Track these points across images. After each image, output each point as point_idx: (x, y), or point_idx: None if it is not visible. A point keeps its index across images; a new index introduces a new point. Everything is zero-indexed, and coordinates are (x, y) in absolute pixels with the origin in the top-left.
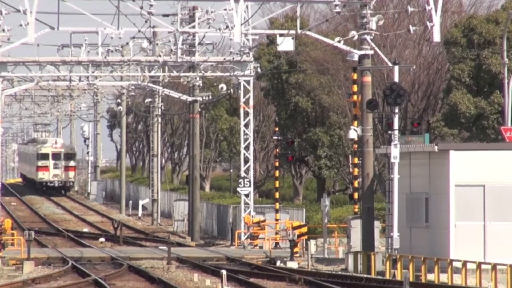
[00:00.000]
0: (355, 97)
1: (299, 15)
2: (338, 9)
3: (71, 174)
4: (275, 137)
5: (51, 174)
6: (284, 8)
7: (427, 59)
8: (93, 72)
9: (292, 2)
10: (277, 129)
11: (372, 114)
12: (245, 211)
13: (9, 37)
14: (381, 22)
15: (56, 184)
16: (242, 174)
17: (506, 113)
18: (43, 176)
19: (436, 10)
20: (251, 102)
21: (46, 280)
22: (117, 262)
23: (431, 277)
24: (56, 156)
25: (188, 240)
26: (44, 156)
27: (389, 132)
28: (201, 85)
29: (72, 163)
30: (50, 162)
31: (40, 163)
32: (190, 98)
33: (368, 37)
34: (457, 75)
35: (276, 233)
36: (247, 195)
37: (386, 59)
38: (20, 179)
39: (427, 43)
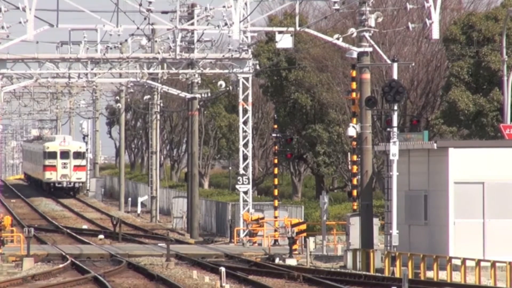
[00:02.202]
0: (354, 94)
1: (298, 12)
2: (337, 6)
3: (81, 174)
4: (274, 134)
5: (59, 174)
6: (283, 5)
7: (426, 56)
8: (92, 69)
9: None
10: (276, 126)
11: (371, 111)
12: (244, 208)
13: (8, 34)
14: (380, 19)
15: (65, 185)
16: (241, 171)
17: (505, 111)
18: (50, 176)
19: (435, 7)
20: (250, 99)
21: (45, 277)
22: (116, 259)
23: (430, 274)
24: (64, 154)
25: (187, 237)
26: (52, 155)
27: (388, 129)
28: (199, 82)
29: (82, 162)
30: (58, 161)
31: (47, 162)
32: (189, 95)
33: (367, 34)
34: (456, 72)
35: (275, 231)
36: (246, 193)
37: (385, 56)
38: (20, 176)
39: (426, 40)
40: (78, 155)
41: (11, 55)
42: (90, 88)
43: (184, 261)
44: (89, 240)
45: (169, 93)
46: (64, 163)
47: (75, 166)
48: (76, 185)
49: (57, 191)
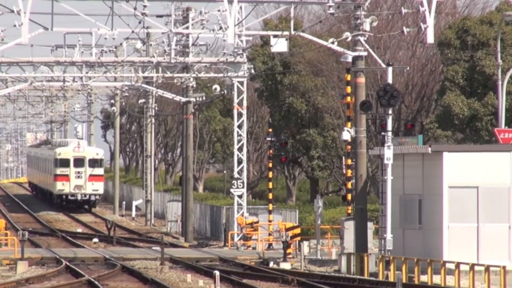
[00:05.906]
0: (348, 99)
1: (293, 16)
2: (331, 10)
3: (98, 185)
4: (268, 138)
5: (72, 185)
6: (278, 9)
7: (421, 60)
8: (87, 73)
9: (286, 3)
10: (270, 130)
11: (365, 115)
12: (238, 212)
13: (2, 38)
14: (375, 24)
15: (79, 198)
16: (236, 175)
17: (499, 115)
18: (62, 187)
19: (430, 12)
20: (244, 103)
21: (39, 280)
22: (110, 263)
23: (424, 278)
24: (78, 162)
25: (182, 241)
26: (64, 163)
27: (383, 133)
28: (194, 86)
29: (99, 171)
30: (72, 170)
31: (59, 171)
32: (183, 99)
33: (361, 38)
34: (450, 76)
35: (269, 234)
36: (240, 196)
37: (379, 61)
38: (14, 179)
39: (421, 44)
40: (95, 162)
41: (5, 59)
42: (85, 91)
43: (178, 265)
44: (84, 244)
45: (164, 97)
46: (78, 172)
47: (90, 175)
48: (92, 197)
49: (69, 204)
